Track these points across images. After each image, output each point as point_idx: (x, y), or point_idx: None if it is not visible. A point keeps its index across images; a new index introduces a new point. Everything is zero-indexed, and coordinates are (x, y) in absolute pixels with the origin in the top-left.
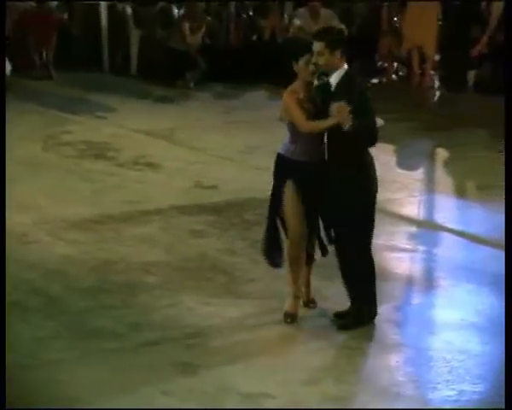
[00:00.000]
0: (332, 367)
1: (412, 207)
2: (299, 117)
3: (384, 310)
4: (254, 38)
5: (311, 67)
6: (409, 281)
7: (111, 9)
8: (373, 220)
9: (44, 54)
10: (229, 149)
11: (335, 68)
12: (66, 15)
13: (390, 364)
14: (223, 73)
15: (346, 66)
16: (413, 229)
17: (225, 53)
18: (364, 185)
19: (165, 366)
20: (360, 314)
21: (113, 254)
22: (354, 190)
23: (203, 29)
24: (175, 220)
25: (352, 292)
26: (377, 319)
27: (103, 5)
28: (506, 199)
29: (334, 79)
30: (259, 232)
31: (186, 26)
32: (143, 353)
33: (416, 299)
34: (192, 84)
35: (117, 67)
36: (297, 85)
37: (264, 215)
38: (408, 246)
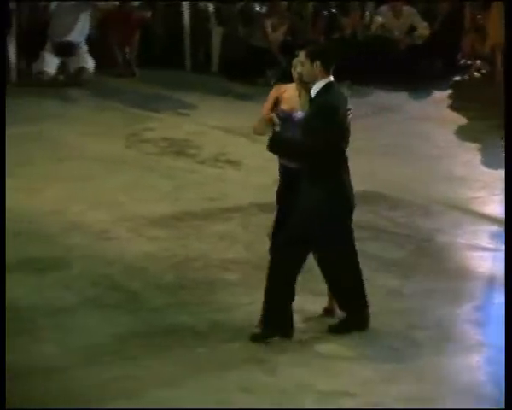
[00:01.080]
0: (412, 366)
1: (494, 206)
2: (262, 112)
3: (465, 310)
4: (336, 35)
5: (294, 74)
6: (490, 280)
7: (193, 7)
8: (347, 234)
9: (127, 52)
10: None
11: (315, 79)
12: (149, 14)
13: (471, 363)
14: None
15: (329, 78)
16: (495, 228)
17: None
18: (333, 199)
19: (244, 363)
20: (349, 324)
21: (192, 251)
22: (321, 204)
23: (285, 26)
24: (255, 218)
25: (340, 305)
26: (458, 319)
27: (185, 3)
28: (506, 199)
29: (313, 91)
30: None
31: (268, 23)
32: (222, 350)
33: (498, 298)
34: (273, 82)
35: (198, 64)
36: (291, 86)
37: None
38: (490, 245)
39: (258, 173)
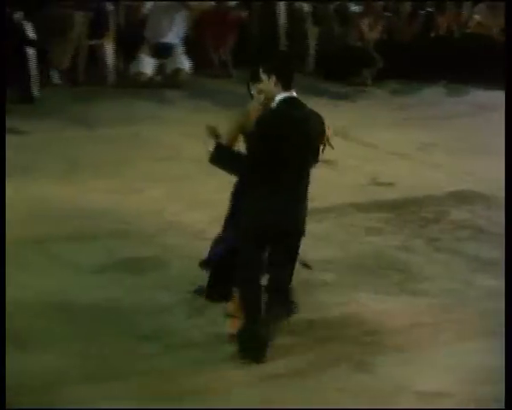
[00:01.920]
0: None
1: None
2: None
3: None
4: (432, 34)
5: (255, 92)
6: None
7: (289, 7)
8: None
9: (223, 53)
10: (405, 146)
11: (273, 95)
12: (245, 14)
13: None
14: (399, 70)
15: (289, 93)
16: None
17: (401, 49)
18: (246, 213)
19: (341, 362)
20: None
21: None
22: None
23: (381, 26)
24: (350, 217)
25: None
26: None
27: (281, 3)
28: (506, 199)
29: (272, 106)
30: (436, 230)
31: (364, 22)
32: (319, 349)
33: None
34: (369, 81)
35: None
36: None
37: (441, 212)
38: None
39: (354, 173)
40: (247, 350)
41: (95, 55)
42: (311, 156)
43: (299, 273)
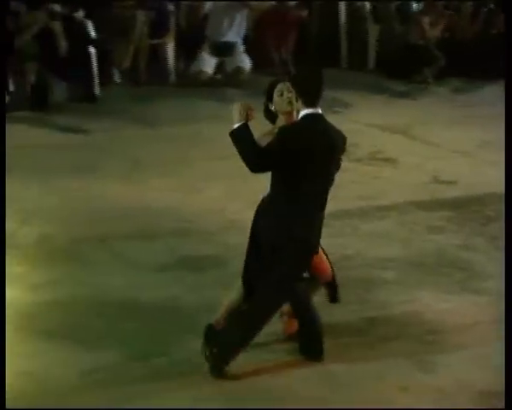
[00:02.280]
0: None
1: None
2: None
3: None
4: (494, 31)
5: (281, 102)
6: None
7: (349, 6)
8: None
9: (283, 51)
10: (466, 144)
11: (299, 109)
12: (305, 13)
13: None
14: (460, 68)
15: (314, 110)
16: None
17: (463, 47)
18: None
19: (403, 361)
20: None
21: (349, 249)
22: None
23: (443, 24)
24: (412, 216)
25: None
26: None
27: (342, 2)
28: (506, 198)
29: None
30: (497, 228)
31: (425, 20)
32: (380, 348)
33: None
34: (430, 79)
35: (354, 62)
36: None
37: (502, 211)
38: None
39: (415, 171)
40: (307, 348)
41: (156, 55)
42: (334, 168)
43: (359, 270)
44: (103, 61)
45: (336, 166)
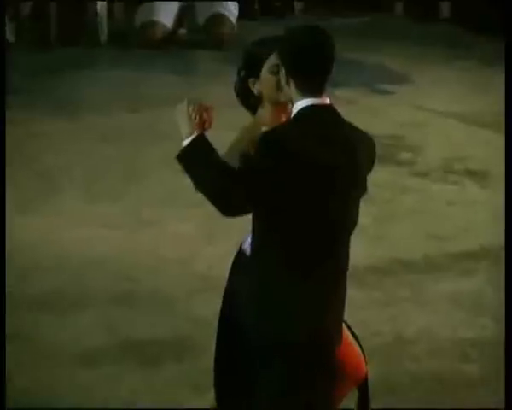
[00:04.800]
0: None
1: None
2: None
3: None
4: None
5: (269, 83)
6: None
7: None
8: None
9: None
10: None
11: (292, 98)
12: None
13: None
14: None
15: (308, 100)
16: None
17: None
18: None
19: None
20: None
21: (408, 327)
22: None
23: None
24: None
25: None
26: None
27: None
28: (506, 199)
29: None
30: None
31: None
32: None
33: None
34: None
35: (416, 6)
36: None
37: None
38: None
39: None
40: None
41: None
42: (357, 196)
43: (425, 363)
44: None
45: (359, 191)
